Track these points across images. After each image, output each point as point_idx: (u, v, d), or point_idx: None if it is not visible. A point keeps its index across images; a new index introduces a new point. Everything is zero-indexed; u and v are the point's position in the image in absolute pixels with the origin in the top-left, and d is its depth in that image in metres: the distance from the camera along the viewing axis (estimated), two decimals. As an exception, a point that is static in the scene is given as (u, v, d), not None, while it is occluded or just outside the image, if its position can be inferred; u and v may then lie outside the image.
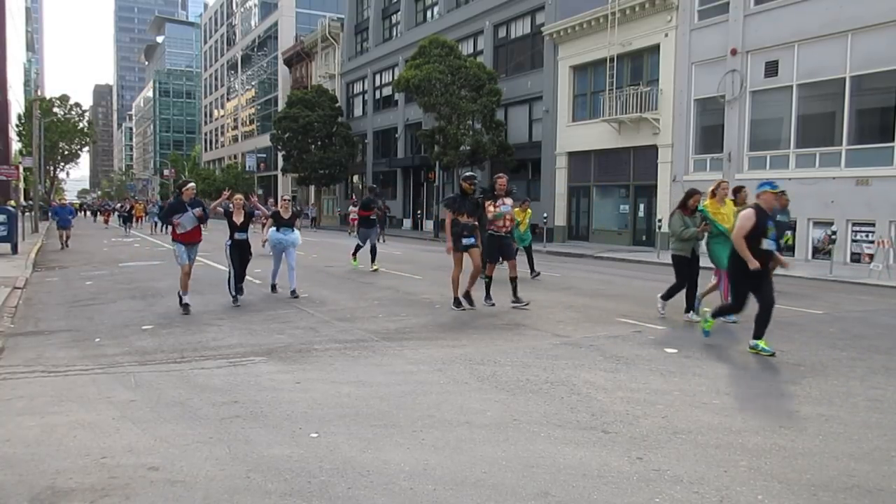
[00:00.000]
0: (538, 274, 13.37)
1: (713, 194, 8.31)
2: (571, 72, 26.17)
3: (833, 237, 15.67)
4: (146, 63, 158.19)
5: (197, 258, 9.76)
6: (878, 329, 8.28)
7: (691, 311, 8.36)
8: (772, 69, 18.95)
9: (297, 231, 10.88)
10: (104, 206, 52.74)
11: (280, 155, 46.07)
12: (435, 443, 4.10)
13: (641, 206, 23.70)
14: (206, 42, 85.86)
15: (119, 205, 41.69)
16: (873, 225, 16.48)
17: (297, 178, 44.65)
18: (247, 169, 64.17)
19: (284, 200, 11.13)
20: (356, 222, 25.08)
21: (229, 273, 9.81)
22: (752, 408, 4.84)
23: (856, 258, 16.76)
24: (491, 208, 9.31)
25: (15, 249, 18.34)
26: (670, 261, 8.84)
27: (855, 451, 3.97)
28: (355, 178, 45.29)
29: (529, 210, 14.35)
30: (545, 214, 24.17)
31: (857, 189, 16.75)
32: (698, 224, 8.20)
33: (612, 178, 24.80)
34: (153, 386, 5.42)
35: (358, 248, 14.86)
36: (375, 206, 14.60)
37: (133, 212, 33.57)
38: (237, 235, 9.76)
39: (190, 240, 9.22)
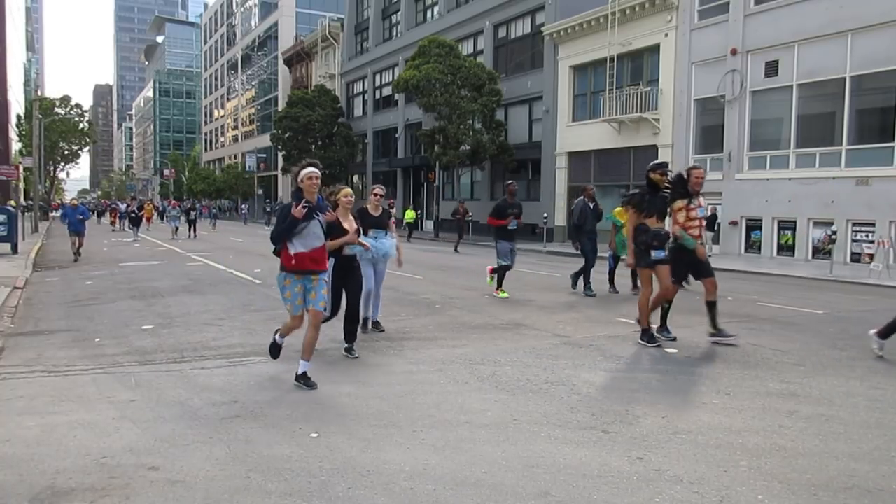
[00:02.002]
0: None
1: None
2: (571, 72, 26.16)
3: (833, 237, 15.67)
4: (146, 63, 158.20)
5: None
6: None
7: None
8: (772, 69, 18.95)
9: (391, 237, 7.63)
10: (111, 205, 49.14)
11: (280, 155, 46.08)
12: (435, 443, 4.10)
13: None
14: (206, 42, 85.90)
15: (125, 205, 36.44)
16: (873, 225, 16.48)
17: (297, 178, 44.62)
18: (247, 169, 64.21)
19: (375, 194, 7.63)
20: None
21: (327, 308, 5.93)
22: (752, 408, 4.84)
23: (856, 258, 16.75)
24: (681, 215, 6.96)
25: (15, 249, 18.33)
26: None
27: (855, 451, 3.97)
28: (355, 177, 45.32)
29: None
30: (545, 214, 24.18)
31: (857, 189, 16.74)
32: None
33: (612, 178, 24.79)
34: (153, 386, 5.42)
35: (502, 270, 10.73)
36: (516, 212, 10.54)
37: (142, 213, 30.63)
38: (345, 250, 6.35)
39: (311, 266, 5.36)
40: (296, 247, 5.33)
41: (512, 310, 9.33)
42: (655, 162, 7.24)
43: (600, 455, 3.89)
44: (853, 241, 16.98)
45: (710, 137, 20.97)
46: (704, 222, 7.29)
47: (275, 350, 5.90)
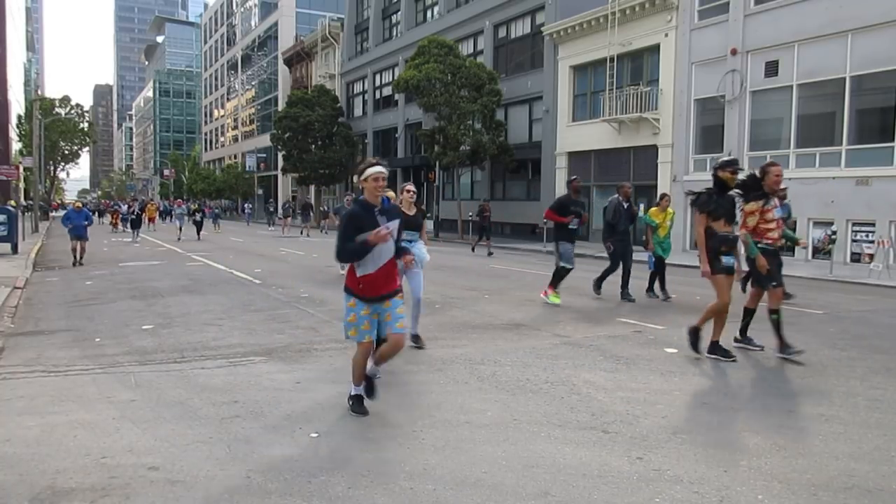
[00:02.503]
0: (669, 298, 10.40)
1: None
2: (571, 72, 26.16)
3: (833, 237, 15.66)
4: (146, 63, 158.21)
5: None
6: (878, 329, 8.28)
7: None
8: (772, 69, 18.95)
9: (423, 242, 7.03)
10: (113, 206, 46.32)
11: (280, 155, 46.07)
12: (435, 443, 4.10)
13: (641, 207, 23.64)
14: (206, 42, 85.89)
15: (126, 205, 34.61)
16: (873, 225, 16.48)
17: (297, 178, 44.68)
18: (247, 169, 64.22)
19: (408, 191, 6.74)
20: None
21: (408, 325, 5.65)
22: (752, 408, 4.84)
23: (856, 258, 16.75)
24: (751, 219, 6.30)
25: (15, 249, 18.34)
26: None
27: (855, 451, 3.97)
28: (355, 177, 45.33)
29: (671, 210, 10.92)
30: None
31: (857, 189, 16.74)
32: None
33: (612, 178, 24.75)
34: (153, 386, 5.42)
35: (562, 273, 9.90)
36: (578, 210, 10.03)
37: (145, 213, 29.64)
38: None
39: (384, 291, 4.50)
40: (366, 267, 4.41)
41: (512, 310, 9.33)
42: (725, 159, 6.37)
43: (600, 455, 3.89)
44: (853, 241, 16.98)
45: (710, 137, 20.96)
46: (783, 223, 6.62)
47: (359, 405, 4.65)
